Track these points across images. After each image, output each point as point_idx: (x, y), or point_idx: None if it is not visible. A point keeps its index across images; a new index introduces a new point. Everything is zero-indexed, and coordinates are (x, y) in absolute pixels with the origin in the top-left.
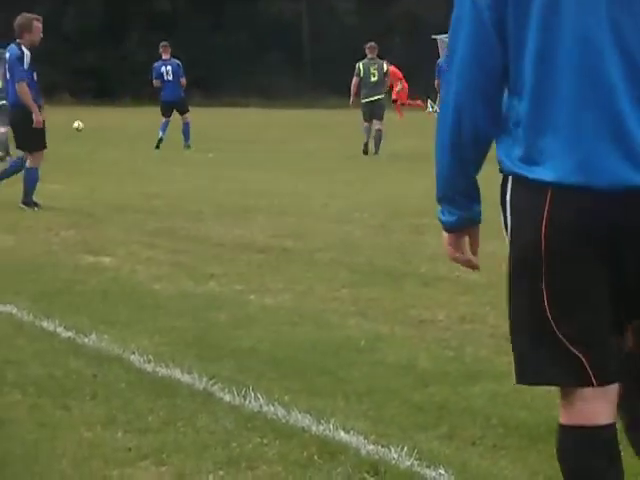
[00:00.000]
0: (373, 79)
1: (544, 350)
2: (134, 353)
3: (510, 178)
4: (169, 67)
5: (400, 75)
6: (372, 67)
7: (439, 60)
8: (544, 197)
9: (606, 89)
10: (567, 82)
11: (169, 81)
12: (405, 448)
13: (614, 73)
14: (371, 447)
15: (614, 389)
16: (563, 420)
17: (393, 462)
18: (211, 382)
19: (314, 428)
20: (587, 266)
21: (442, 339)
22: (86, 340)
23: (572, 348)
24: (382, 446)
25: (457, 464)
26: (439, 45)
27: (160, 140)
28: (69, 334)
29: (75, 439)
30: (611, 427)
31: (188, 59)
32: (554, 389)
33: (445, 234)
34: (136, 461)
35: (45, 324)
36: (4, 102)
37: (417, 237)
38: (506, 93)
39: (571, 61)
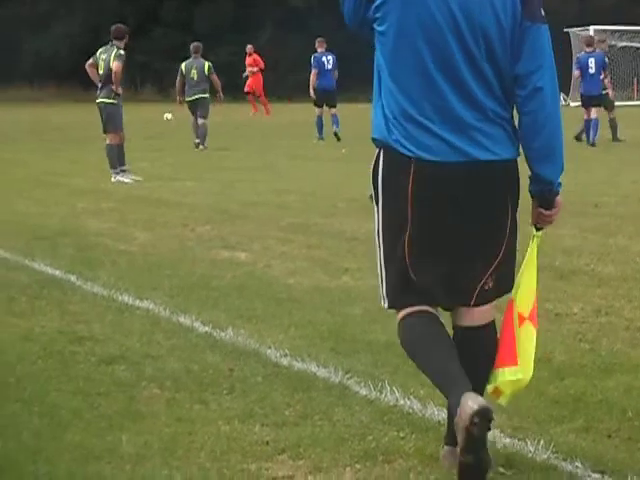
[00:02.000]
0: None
1: (405, 283)
2: (270, 347)
3: (382, 151)
4: (330, 57)
5: (261, 64)
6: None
7: (578, 54)
8: (409, 168)
9: (439, 88)
10: (413, 81)
11: (328, 70)
12: (542, 441)
13: (442, 81)
14: (507, 440)
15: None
16: (403, 314)
17: (529, 455)
18: (347, 376)
19: None
20: (441, 221)
21: (578, 332)
22: (223, 335)
23: (422, 285)
24: (518, 439)
25: (593, 457)
26: (572, 38)
27: (321, 138)
28: (206, 329)
29: (213, 433)
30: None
31: None
32: None
33: None
34: (274, 455)
35: (182, 319)
36: (201, 96)
37: (552, 230)
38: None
39: (416, 66)
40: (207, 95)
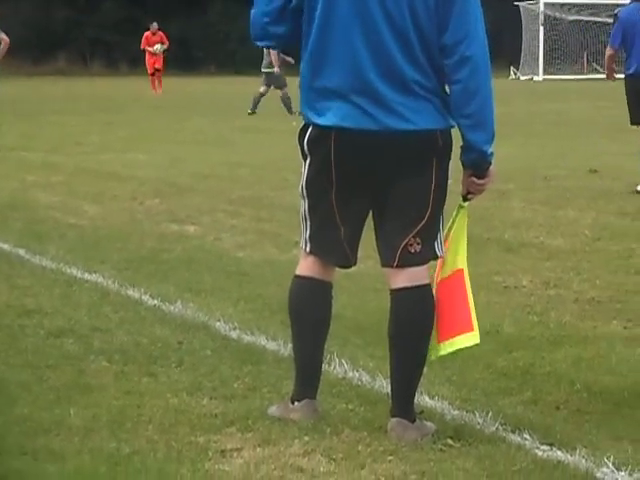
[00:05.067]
0: None
1: (328, 234)
2: (219, 320)
3: (310, 126)
4: None
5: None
6: None
7: None
8: (330, 135)
9: (362, 64)
10: (337, 56)
11: None
12: (490, 413)
13: (362, 51)
14: (455, 412)
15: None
16: (298, 272)
17: (478, 427)
18: None
19: None
20: (355, 178)
21: (526, 304)
22: (171, 308)
23: (343, 238)
24: (466, 411)
25: (541, 429)
26: (522, 12)
27: None
28: (154, 302)
29: (161, 406)
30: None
31: None
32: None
33: None
34: (222, 427)
35: (130, 292)
36: (268, 70)
37: (501, 203)
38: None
39: (341, 40)
40: (275, 68)
